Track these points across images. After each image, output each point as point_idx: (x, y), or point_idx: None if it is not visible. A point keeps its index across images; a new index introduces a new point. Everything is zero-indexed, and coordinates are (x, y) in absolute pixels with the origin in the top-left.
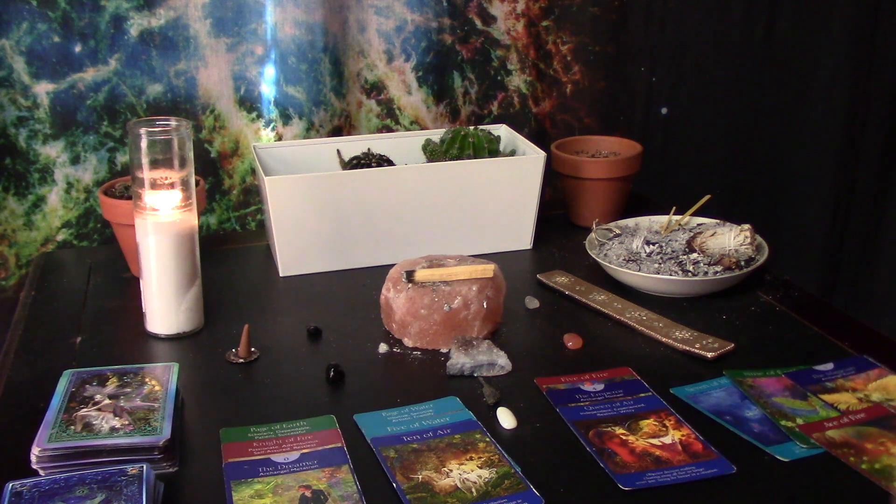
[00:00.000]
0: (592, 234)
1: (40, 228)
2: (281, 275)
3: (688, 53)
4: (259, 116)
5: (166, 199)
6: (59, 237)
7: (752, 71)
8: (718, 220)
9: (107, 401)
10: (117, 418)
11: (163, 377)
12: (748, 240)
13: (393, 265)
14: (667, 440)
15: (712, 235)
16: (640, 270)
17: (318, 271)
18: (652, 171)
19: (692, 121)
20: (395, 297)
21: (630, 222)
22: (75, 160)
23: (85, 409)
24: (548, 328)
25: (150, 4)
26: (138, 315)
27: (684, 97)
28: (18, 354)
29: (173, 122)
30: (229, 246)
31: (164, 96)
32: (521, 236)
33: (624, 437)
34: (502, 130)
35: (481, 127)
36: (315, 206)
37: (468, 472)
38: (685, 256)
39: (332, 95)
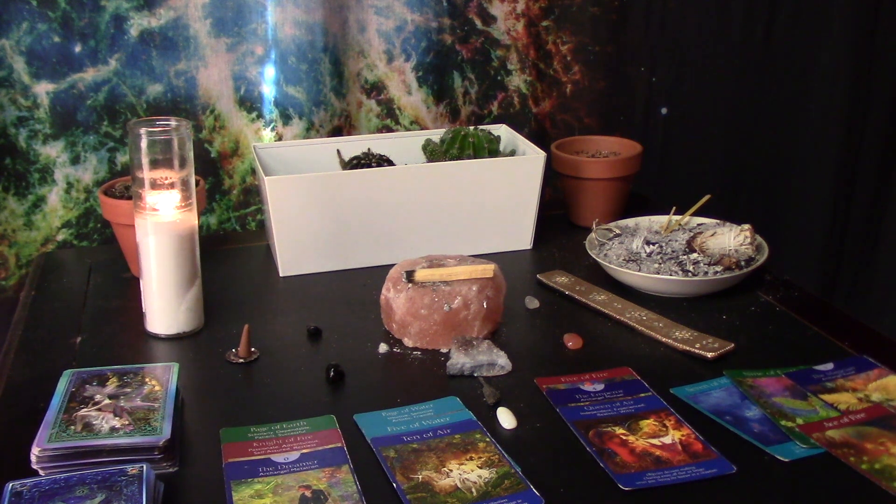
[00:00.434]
0: (592, 234)
1: (40, 228)
2: (281, 275)
3: (688, 53)
4: (259, 116)
5: (166, 199)
6: (59, 237)
7: (752, 71)
8: (718, 220)
9: (107, 401)
10: (117, 418)
11: (163, 377)
12: (748, 240)
13: (393, 265)
14: (667, 440)
15: (712, 235)
16: (640, 270)
17: (318, 271)
18: (652, 171)
19: (692, 121)
20: (395, 297)
21: (630, 222)
22: (75, 160)
23: (85, 409)
24: (548, 328)
25: (150, 4)
26: (138, 315)
27: (684, 97)
28: (18, 354)
29: (173, 122)
30: (229, 246)
31: (164, 96)
32: (521, 236)
33: (624, 437)
34: (502, 130)
35: (481, 127)
36: (315, 206)
37: (468, 472)
38: (685, 256)
39: (332, 95)
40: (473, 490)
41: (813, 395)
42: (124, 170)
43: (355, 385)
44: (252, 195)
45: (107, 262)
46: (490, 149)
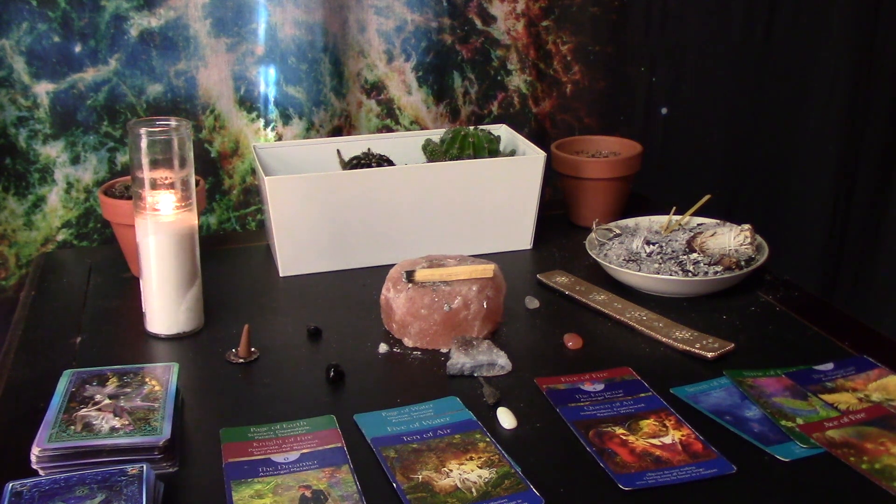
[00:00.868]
0: (592, 234)
1: (40, 228)
2: (281, 275)
3: (688, 53)
4: (259, 116)
5: (166, 199)
6: (59, 237)
7: (752, 71)
8: (718, 220)
9: (107, 401)
10: (117, 418)
11: (163, 377)
12: (748, 240)
13: (393, 265)
14: (667, 440)
15: (712, 235)
16: (640, 270)
17: (318, 271)
18: (652, 171)
19: (692, 121)
20: (395, 297)
21: (630, 222)
22: (75, 160)
23: (85, 409)
24: (548, 328)
25: (150, 4)
26: (138, 315)
27: (684, 97)
28: (18, 354)
29: (173, 122)
30: (229, 246)
31: (164, 96)
32: (521, 236)
33: (624, 437)
34: (502, 130)
35: (481, 127)
36: (315, 206)
37: (468, 472)
38: (685, 256)
39: (332, 95)
40: (473, 490)
41: (813, 395)
42: (124, 170)
43: (355, 385)
44: (252, 195)
45: (107, 262)
46: (490, 149)
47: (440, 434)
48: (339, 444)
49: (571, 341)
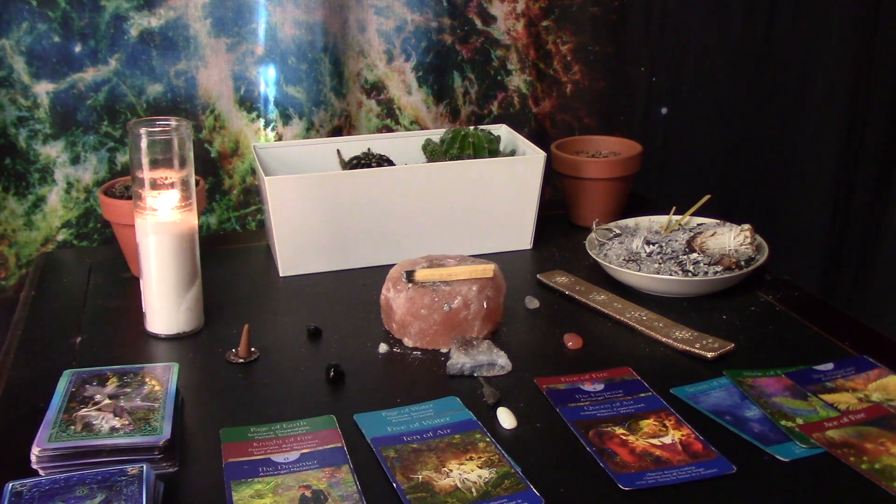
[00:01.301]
0: (592, 234)
1: (40, 228)
2: (281, 275)
3: (688, 53)
4: (259, 116)
5: (166, 199)
6: (59, 237)
7: (752, 71)
8: (718, 220)
9: (107, 401)
10: (117, 418)
11: (163, 377)
12: (748, 240)
13: (393, 265)
14: (667, 440)
15: (712, 235)
16: (640, 270)
17: (318, 271)
18: (652, 171)
19: (692, 121)
20: (395, 297)
21: (630, 222)
22: (75, 160)
23: (85, 409)
24: (548, 328)
25: (150, 4)
26: (138, 315)
27: (684, 97)
28: (18, 354)
29: (173, 122)
30: (229, 246)
31: (164, 96)
32: (521, 236)
33: (624, 437)
34: (502, 130)
35: (481, 127)
36: (315, 206)
37: (468, 472)
38: (685, 256)
39: (332, 95)
40: (473, 490)
41: (813, 395)
42: (124, 170)
43: (355, 385)
44: (252, 195)
45: (107, 262)
46: (490, 149)
47: (440, 434)
48: (339, 444)
49: (571, 341)
